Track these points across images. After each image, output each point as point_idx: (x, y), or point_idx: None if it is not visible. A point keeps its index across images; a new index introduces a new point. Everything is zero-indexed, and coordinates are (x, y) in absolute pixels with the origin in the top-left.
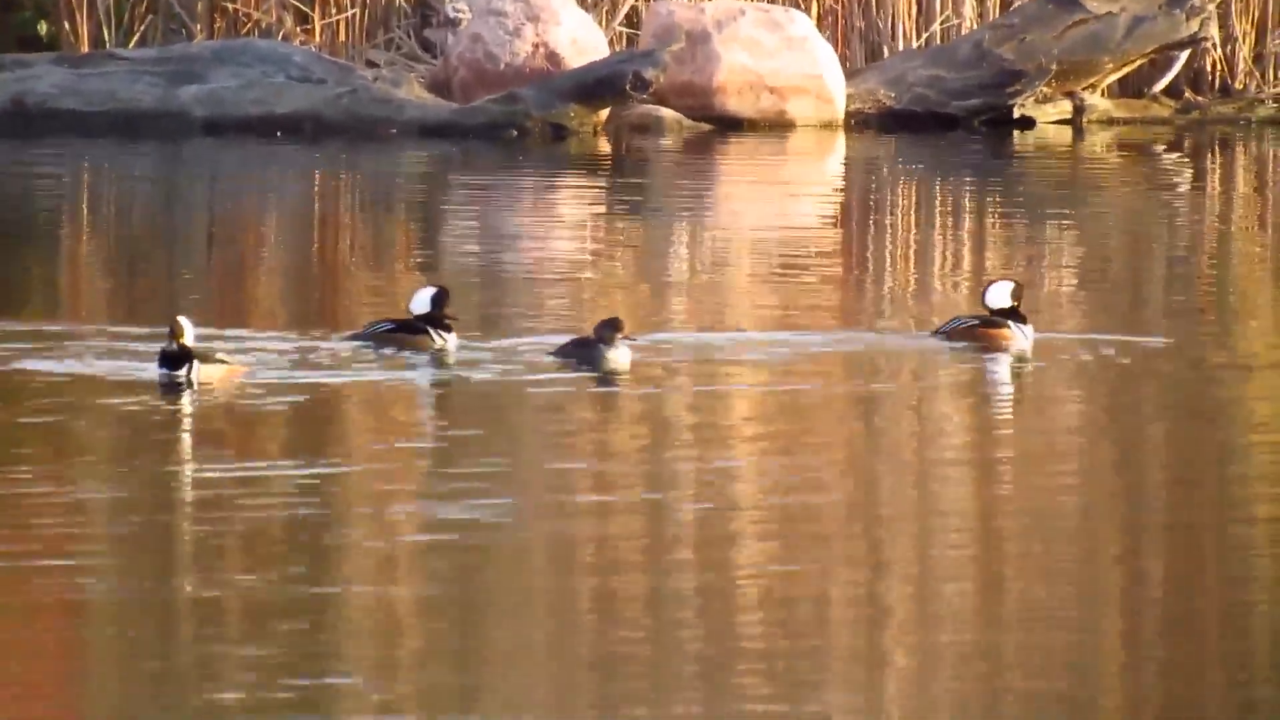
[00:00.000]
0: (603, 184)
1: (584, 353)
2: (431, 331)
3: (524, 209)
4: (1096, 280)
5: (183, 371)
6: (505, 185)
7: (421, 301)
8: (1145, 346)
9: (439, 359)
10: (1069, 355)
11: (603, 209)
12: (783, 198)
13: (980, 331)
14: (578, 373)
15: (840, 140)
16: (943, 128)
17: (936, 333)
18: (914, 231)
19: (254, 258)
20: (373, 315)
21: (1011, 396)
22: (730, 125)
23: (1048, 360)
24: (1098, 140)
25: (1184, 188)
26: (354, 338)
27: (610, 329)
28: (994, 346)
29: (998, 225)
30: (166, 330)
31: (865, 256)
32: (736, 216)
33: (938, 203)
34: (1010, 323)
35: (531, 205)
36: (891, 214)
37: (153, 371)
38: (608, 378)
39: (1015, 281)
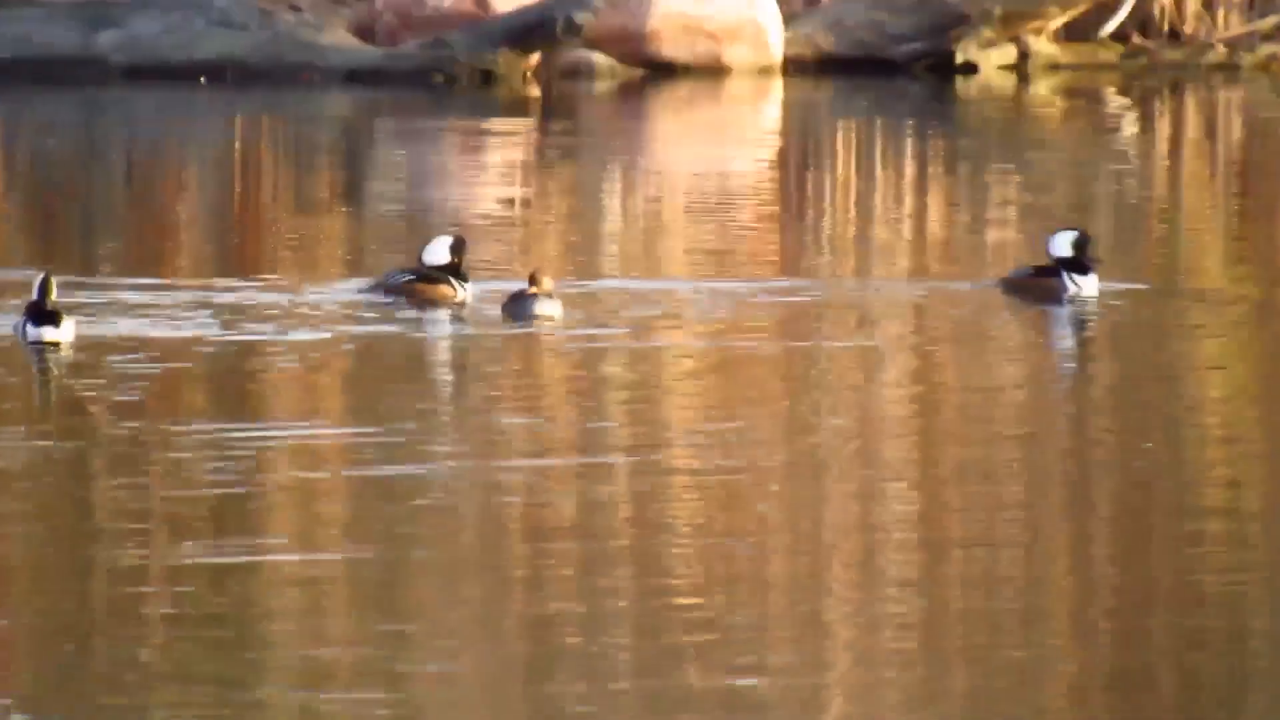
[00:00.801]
0: (533, 130)
1: (513, 307)
2: (453, 281)
3: (452, 156)
4: (1041, 229)
5: (54, 331)
6: (433, 132)
7: (439, 250)
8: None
9: (454, 312)
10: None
11: (533, 156)
12: (718, 144)
13: (1032, 282)
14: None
15: (778, 86)
16: (884, 74)
17: (1003, 281)
18: (852, 179)
19: (173, 206)
20: (312, 263)
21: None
22: (665, 71)
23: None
24: (1043, 86)
25: (1131, 134)
26: (372, 289)
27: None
28: (1046, 297)
29: (938, 172)
30: (37, 284)
31: (801, 203)
32: (670, 163)
33: (877, 149)
34: (1064, 272)
35: (460, 152)
36: (829, 160)
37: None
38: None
39: (1079, 230)
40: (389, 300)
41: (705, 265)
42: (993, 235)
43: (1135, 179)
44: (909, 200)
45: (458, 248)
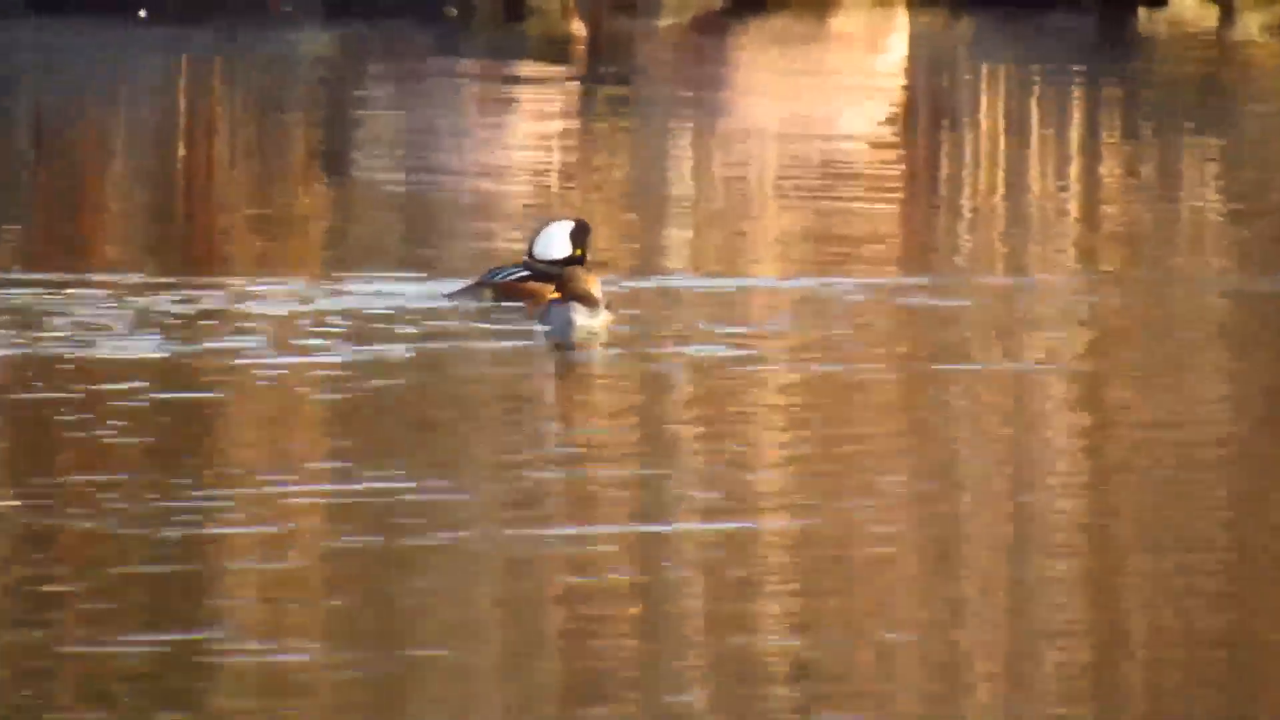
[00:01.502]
0: (575, 80)
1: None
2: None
3: (467, 113)
4: (1248, 218)
5: None
6: (441, 81)
7: (555, 241)
8: None
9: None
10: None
11: (575, 114)
12: (821, 98)
13: None
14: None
15: (901, 21)
16: (1040, 5)
17: None
18: (999, 145)
19: (95, 177)
20: (281, 257)
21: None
22: (751, 1)
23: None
24: (1252, 22)
25: None
26: (467, 291)
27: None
28: None
29: (1114, 143)
30: None
31: (932, 181)
32: (758, 126)
33: (1032, 107)
34: None
35: (478, 108)
36: (968, 121)
37: None
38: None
39: None
40: (484, 305)
41: (803, 259)
42: (1187, 222)
43: None
44: (1075, 174)
45: (580, 236)
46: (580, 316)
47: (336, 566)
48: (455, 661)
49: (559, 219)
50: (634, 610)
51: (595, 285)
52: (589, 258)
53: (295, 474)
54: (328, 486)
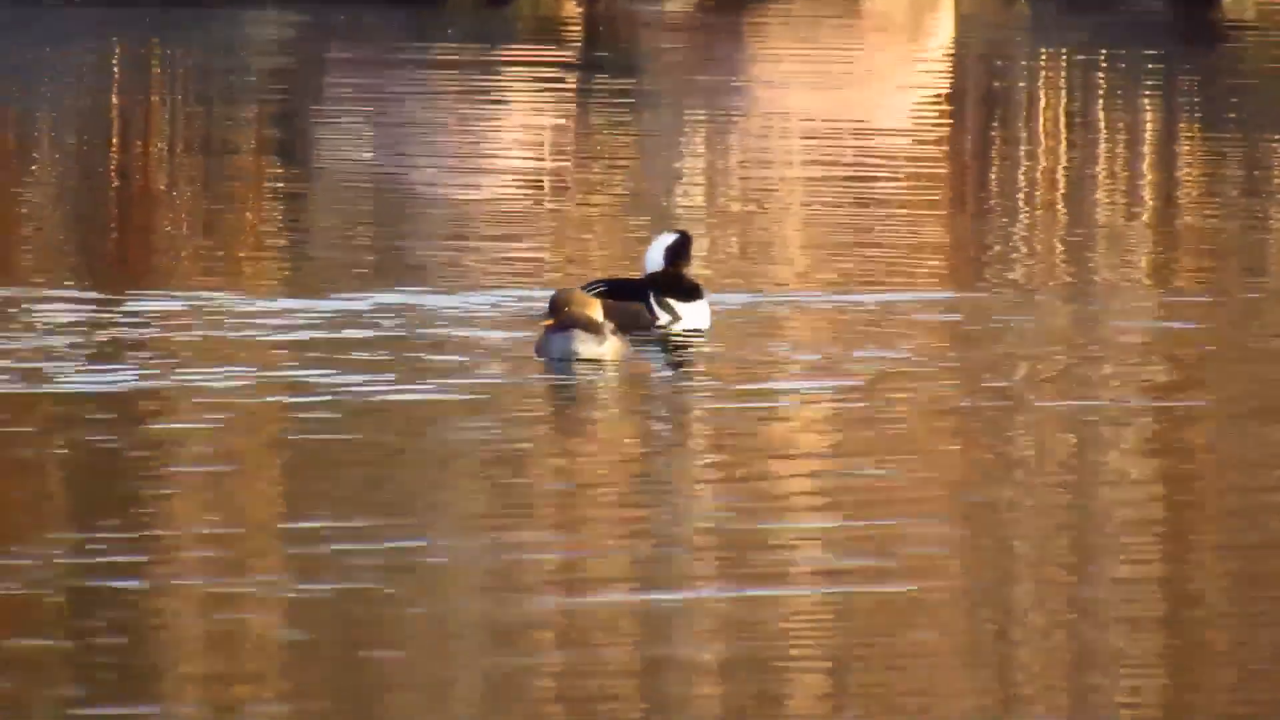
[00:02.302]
0: (570, 68)
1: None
2: (652, 301)
3: (444, 107)
4: None
5: None
6: (416, 68)
7: (654, 255)
8: None
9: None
10: None
11: (570, 106)
12: (854, 95)
13: None
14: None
15: (946, 5)
16: None
17: None
18: (1061, 145)
19: (16, 179)
20: (232, 269)
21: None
22: None
23: None
24: None
25: None
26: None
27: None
28: None
29: (1194, 146)
30: None
31: (981, 188)
32: (778, 123)
33: (1099, 107)
34: None
35: (456, 101)
36: (1026, 118)
37: None
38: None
39: None
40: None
41: (834, 272)
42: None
43: None
44: (1149, 178)
45: (679, 251)
46: (582, 345)
47: (297, 621)
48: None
49: (665, 231)
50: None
51: (596, 309)
52: (683, 274)
53: (243, 524)
54: (297, 548)
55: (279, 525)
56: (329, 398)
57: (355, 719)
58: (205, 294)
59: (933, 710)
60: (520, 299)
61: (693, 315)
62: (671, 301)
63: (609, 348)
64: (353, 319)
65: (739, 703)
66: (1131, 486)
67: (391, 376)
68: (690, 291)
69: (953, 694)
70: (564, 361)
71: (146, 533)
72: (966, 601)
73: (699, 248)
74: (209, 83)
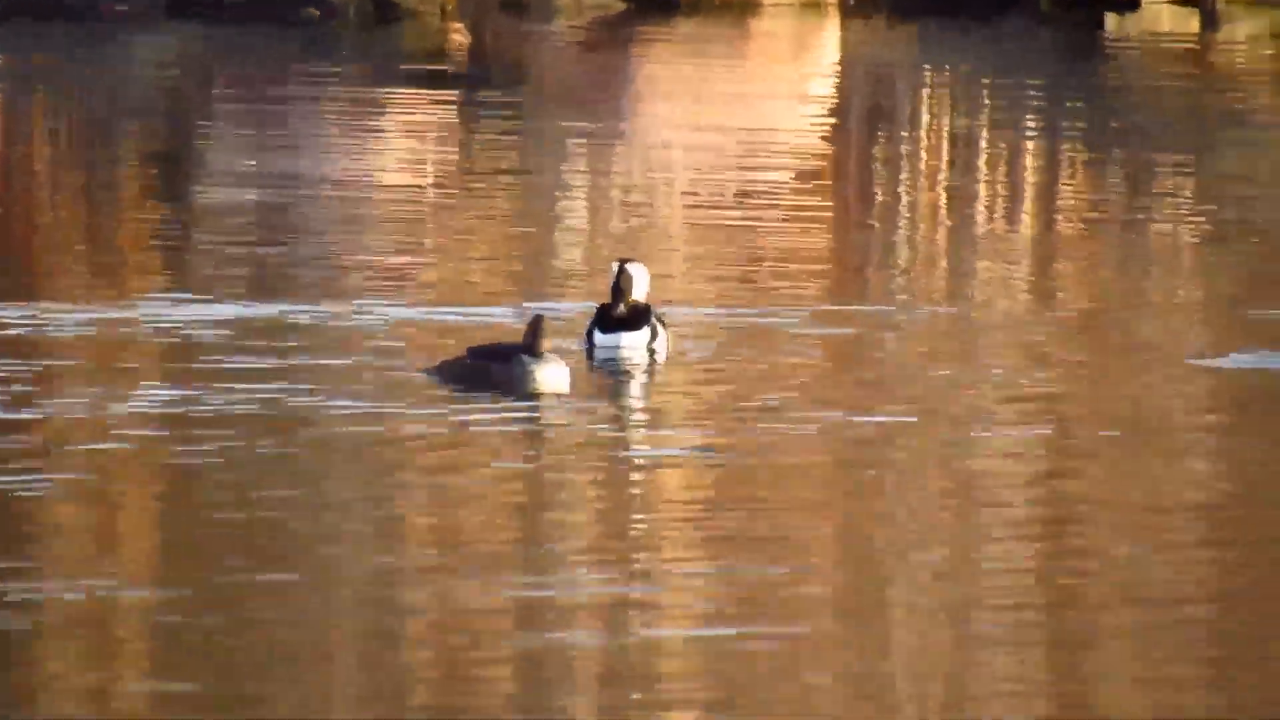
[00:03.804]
0: (457, 92)
1: (499, 368)
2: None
3: (332, 130)
4: (1238, 256)
5: None
6: (302, 92)
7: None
8: None
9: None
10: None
11: (457, 129)
12: (741, 116)
13: None
14: (480, 401)
15: (832, 30)
16: (993, 8)
17: None
18: (943, 173)
19: None
20: (113, 284)
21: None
22: (659, 4)
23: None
24: (1239, 31)
25: None
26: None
27: (534, 334)
28: None
29: (1078, 166)
30: None
31: (865, 209)
32: (669, 145)
33: (983, 131)
34: None
35: (344, 125)
36: (908, 144)
37: None
38: (532, 404)
39: None
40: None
41: (717, 286)
42: (1163, 260)
43: None
44: (1028, 199)
45: (617, 286)
46: (546, 375)
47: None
48: None
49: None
50: None
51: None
52: (625, 306)
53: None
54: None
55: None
56: (204, 408)
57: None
58: (75, 305)
59: None
60: (395, 313)
61: (651, 339)
62: (627, 335)
63: (563, 378)
64: (230, 327)
65: None
66: (1014, 511)
67: (275, 385)
68: (641, 319)
69: None
70: (526, 388)
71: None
72: (853, 642)
73: (573, 263)
74: (96, 97)
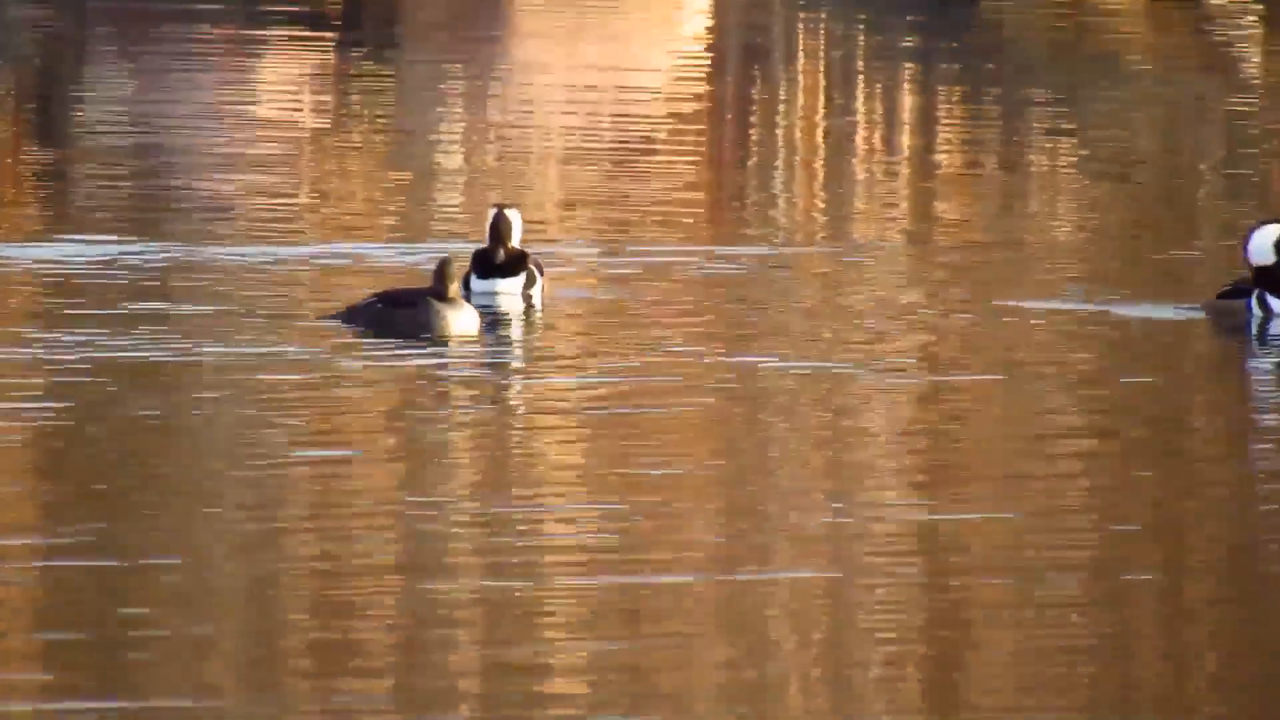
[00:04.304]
0: (328, 33)
1: (405, 314)
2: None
3: (204, 80)
4: (1108, 205)
5: None
6: (178, 32)
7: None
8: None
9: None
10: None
11: (328, 68)
12: (618, 55)
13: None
14: (384, 349)
15: None
16: None
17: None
18: (819, 115)
19: None
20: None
21: None
22: None
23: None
24: None
25: (1252, 61)
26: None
27: (441, 277)
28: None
29: (951, 109)
30: None
31: (738, 147)
32: (543, 89)
33: (858, 72)
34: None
35: (218, 55)
36: (784, 84)
37: None
38: (442, 350)
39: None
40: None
41: (594, 225)
42: (1033, 205)
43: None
44: (900, 141)
45: (494, 230)
46: (456, 318)
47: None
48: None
49: (495, 207)
50: None
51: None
52: (501, 253)
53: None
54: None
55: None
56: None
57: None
58: None
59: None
60: (274, 255)
61: (522, 286)
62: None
63: (471, 321)
64: (105, 269)
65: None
66: (894, 457)
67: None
68: (517, 265)
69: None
70: (433, 332)
71: None
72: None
73: (450, 201)
74: None
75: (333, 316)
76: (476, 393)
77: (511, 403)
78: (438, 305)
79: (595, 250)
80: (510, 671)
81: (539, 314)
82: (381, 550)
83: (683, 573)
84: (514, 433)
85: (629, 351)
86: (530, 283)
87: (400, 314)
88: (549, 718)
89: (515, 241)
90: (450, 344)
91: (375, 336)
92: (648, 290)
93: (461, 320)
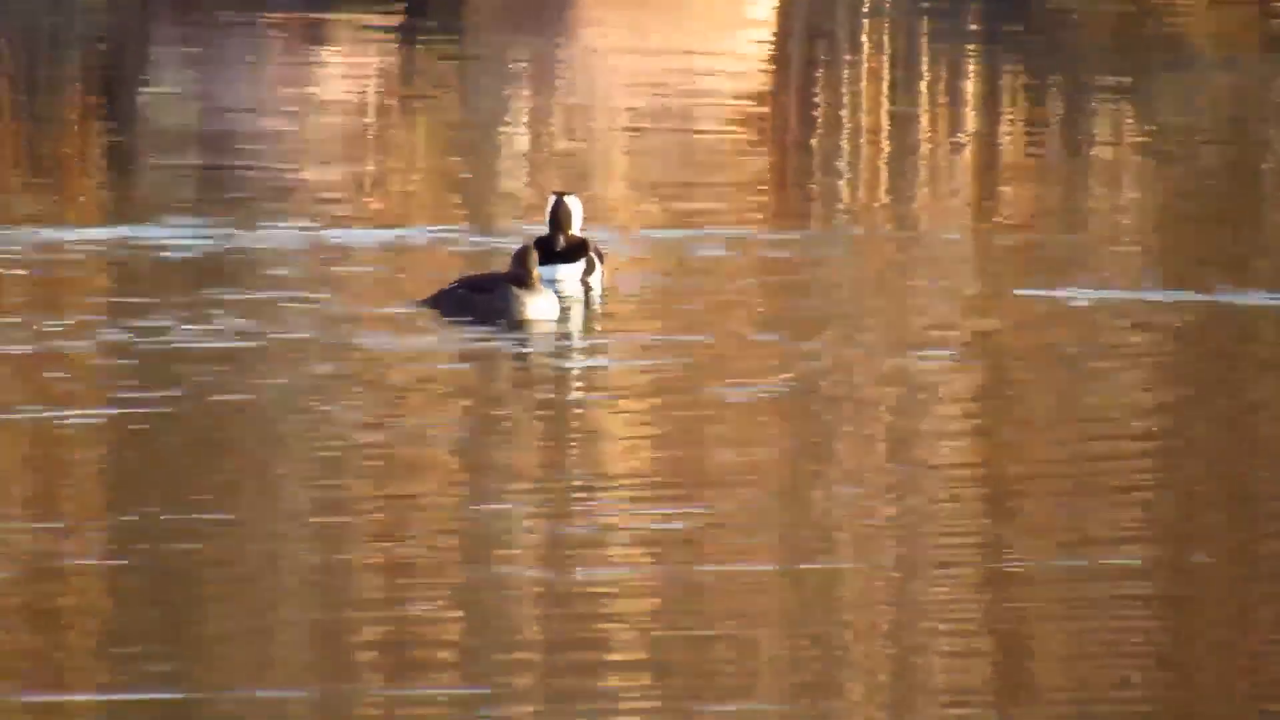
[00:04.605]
0: (394, 22)
1: (484, 299)
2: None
3: (272, 65)
4: (1179, 196)
5: None
6: (237, 30)
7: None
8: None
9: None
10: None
11: (395, 59)
12: (682, 39)
13: None
14: (469, 334)
15: None
16: None
17: None
18: (883, 98)
19: None
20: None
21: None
22: None
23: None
24: None
25: None
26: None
27: (522, 263)
28: None
29: (1017, 93)
30: None
31: (803, 131)
32: (608, 68)
33: (923, 55)
34: None
35: (282, 59)
36: (850, 70)
37: None
38: (522, 339)
39: None
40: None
41: (663, 211)
42: (1097, 194)
43: None
44: (968, 123)
45: (554, 218)
46: (534, 304)
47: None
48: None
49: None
50: None
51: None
52: (559, 242)
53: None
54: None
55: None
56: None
57: None
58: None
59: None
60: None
61: (579, 274)
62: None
63: (551, 306)
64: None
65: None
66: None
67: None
68: (577, 253)
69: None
70: (511, 321)
71: None
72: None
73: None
74: (29, 53)
75: (421, 301)
76: (540, 377)
77: (573, 388)
78: (516, 291)
79: (659, 236)
80: (577, 662)
81: (599, 301)
82: (446, 534)
83: (751, 561)
84: (576, 418)
85: (687, 337)
86: (590, 269)
87: (479, 299)
88: (614, 709)
89: (575, 228)
90: (524, 329)
91: (457, 321)
92: (710, 276)
93: (539, 305)
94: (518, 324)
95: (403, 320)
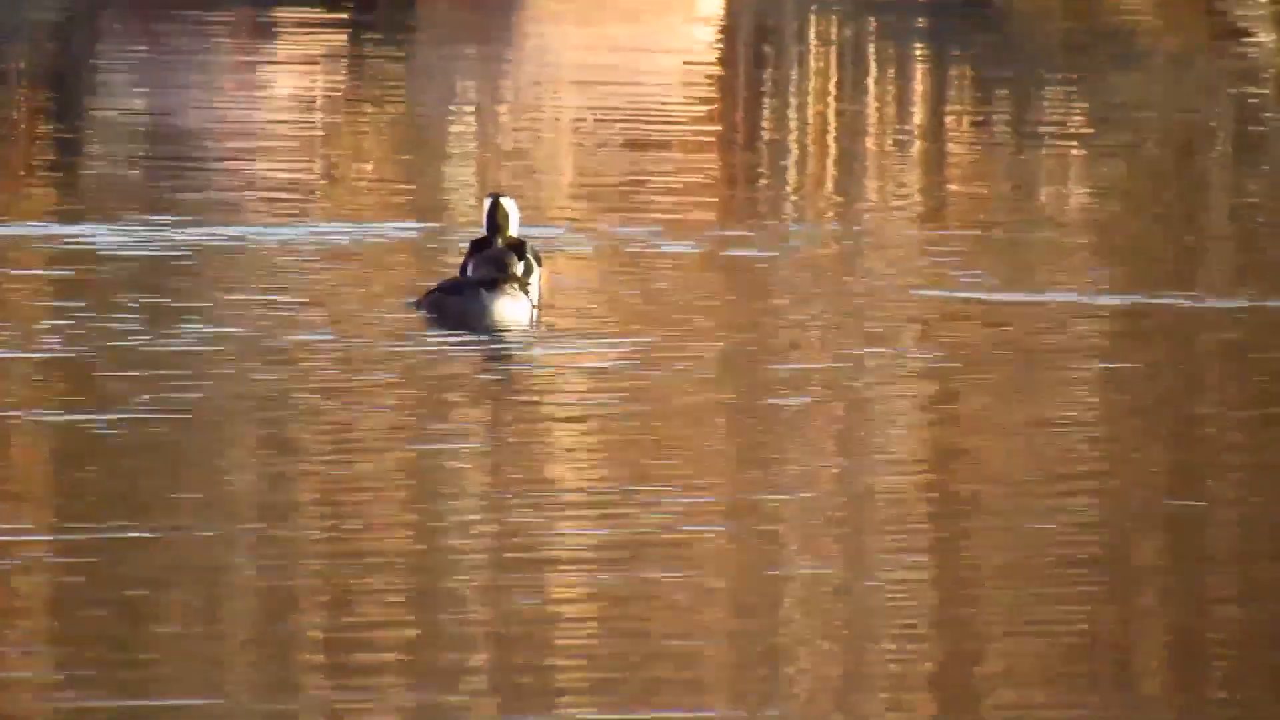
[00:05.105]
0: (344, 18)
1: (455, 303)
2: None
3: (220, 61)
4: (1124, 188)
5: None
6: (190, 15)
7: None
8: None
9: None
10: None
11: (343, 54)
12: (630, 36)
13: None
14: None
15: None
16: None
17: None
18: (830, 97)
19: None
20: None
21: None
22: None
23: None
24: None
25: (1267, 38)
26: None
27: (499, 265)
28: None
29: (964, 89)
30: None
31: (752, 130)
32: (559, 70)
33: (870, 57)
34: None
35: (232, 39)
36: (796, 69)
37: None
38: (493, 341)
39: None
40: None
41: (606, 211)
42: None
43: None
44: (915, 119)
45: (492, 220)
46: (504, 307)
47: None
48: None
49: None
50: None
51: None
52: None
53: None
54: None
55: None
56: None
57: None
58: None
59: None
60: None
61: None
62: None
63: (523, 310)
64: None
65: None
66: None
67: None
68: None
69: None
70: (483, 323)
71: None
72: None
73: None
74: None
75: (408, 303)
76: (491, 382)
77: (522, 394)
78: (487, 294)
79: (601, 235)
80: (526, 669)
81: (537, 303)
82: (398, 541)
83: (704, 570)
84: (526, 424)
85: (632, 339)
86: (528, 272)
87: (452, 302)
88: (663, 702)
89: (513, 230)
90: (494, 332)
91: (430, 323)
92: (649, 276)
93: (511, 309)
94: (489, 327)
95: (371, 322)
